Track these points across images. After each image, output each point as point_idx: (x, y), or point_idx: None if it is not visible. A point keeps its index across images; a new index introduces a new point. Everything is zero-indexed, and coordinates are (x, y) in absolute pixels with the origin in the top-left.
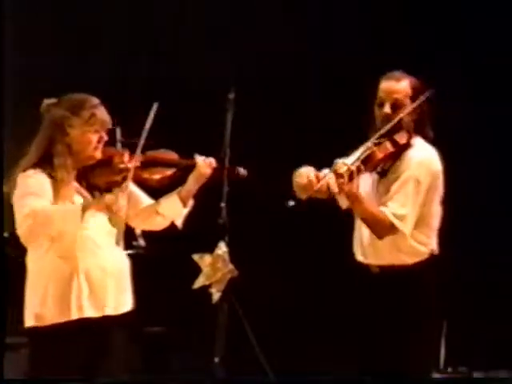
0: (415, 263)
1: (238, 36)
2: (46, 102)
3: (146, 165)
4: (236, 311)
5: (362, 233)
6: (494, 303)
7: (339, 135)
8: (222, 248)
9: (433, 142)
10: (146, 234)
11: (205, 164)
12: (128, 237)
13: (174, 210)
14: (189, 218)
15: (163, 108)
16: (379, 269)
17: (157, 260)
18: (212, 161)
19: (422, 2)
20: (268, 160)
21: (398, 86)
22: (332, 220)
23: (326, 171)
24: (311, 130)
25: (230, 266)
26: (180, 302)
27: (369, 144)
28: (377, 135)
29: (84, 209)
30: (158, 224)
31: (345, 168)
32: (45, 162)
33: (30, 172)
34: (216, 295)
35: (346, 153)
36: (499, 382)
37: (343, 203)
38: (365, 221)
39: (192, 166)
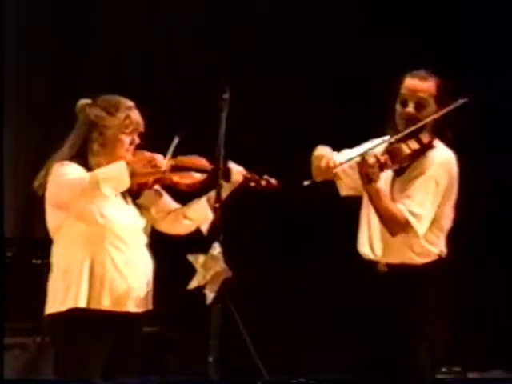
0: (424, 263)
1: (232, 35)
2: (82, 101)
3: (177, 169)
4: (230, 312)
5: (371, 227)
6: (492, 304)
7: (335, 134)
8: (216, 249)
9: (451, 145)
10: None
11: (238, 172)
12: None
13: (202, 215)
14: None
15: (158, 107)
16: (387, 267)
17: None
18: (242, 169)
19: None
20: (263, 159)
21: (423, 84)
22: (330, 220)
23: (342, 155)
24: (306, 129)
25: (224, 267)
26: (174, 303)
27: (392, 140)
28: (405, 132)
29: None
30: (185, 228)
31: (374, 159)
32: (79, 159)
33: (67, 162)
34: (210, 296)
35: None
36: (494, 381)
37: (342, 190)
38: (380, 216)
39: (223, 173)
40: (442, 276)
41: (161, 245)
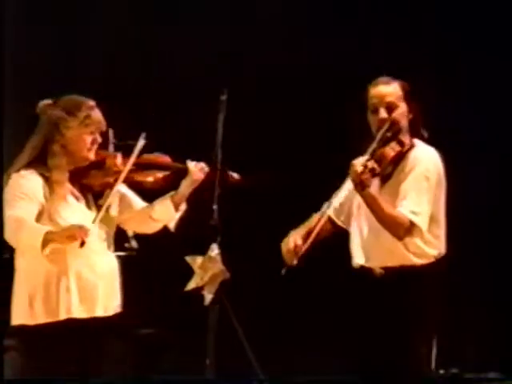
0: (421, 265)
1: (231, 38)
2: (43, 103)
3: (140, 167)
4: (227, 313)
5: (363, 236)
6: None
7: (331, 137)
8: (214, 250)
9: (428, 142)
10: (139, 236)
11: (197, 169)
12: (120, 239)
13: (167, 215)
14: (181, 221)
15: (156, 109)
16: (384, 270)
17: (149, 262)
18: (204, 166)
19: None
20: (260, 162)
21: (388, 88)
22: None
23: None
24: (303, 133)
25: (222, 268)
26: (173, 304)
27: (374, 145)
28: (379, 136)
29: (45, 241)
30: (152, 227)
31: (361, 167)
32: (39, 162)
33: (24, 172)
34: (208, 297)
35: (340, 153)
36: (488, 382)
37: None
38: (383, 222)
39: (185, 171)
40: (440, 277)
41: (159, 246)
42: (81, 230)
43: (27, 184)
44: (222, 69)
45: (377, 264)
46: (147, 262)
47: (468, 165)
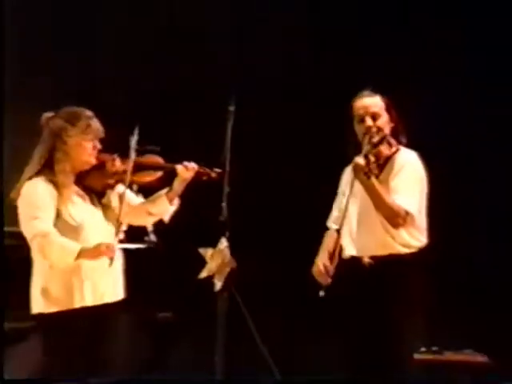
0: (406, 254)
1: (239, 50)
2: (45, 115)
3: (136, 169)
4: (235, 298)
5: (354, 230)
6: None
7: (334, 143)
8: (223, 243)
9: (407, 147)
10: (157, 231)
11: (184, 169)
12: (140, 232)
13: (162, 209)
14: (194, 217)
15: (169, 117)
16: (373, 259)
17: (166, 253)
18: (193, 165)
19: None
20: (265, 164)
21: (372, 100)
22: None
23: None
24: (306, 136)
25: (230, 259)
26: (187, 291)
27: (368, 147)
28: (367, 139)
29: (79, 255)
30: (148, 221)
31: (364, 160)
32: (46, 169)
33: (34, 180)
34: (218, 284)
35: (340, 159)
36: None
37: None
38: (382, 210)
39: (175, 170)
40: (421, 264)
41: (174, 239)
42: (108, 248)
43: (40, 191)
44: (231, 80)
45: (367, 254)
46: (165, 254)
47: (440, 166)
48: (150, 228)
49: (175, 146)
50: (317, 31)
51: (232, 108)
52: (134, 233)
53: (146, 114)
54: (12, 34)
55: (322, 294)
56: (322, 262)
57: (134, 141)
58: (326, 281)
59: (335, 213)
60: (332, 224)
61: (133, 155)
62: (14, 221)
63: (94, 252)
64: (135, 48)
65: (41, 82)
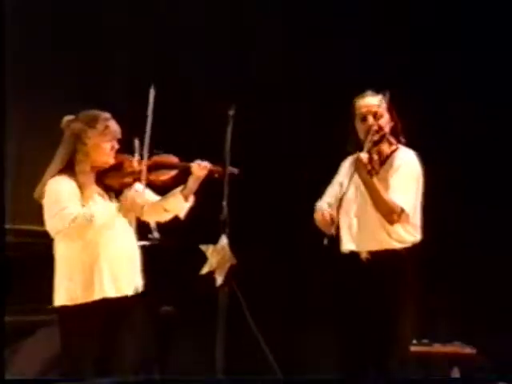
0: (401, 249)
1: (239, 56)
2: (66, 118)
3: (152, 168)
4: (235, 293)
5: (353, 226)
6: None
7: (332, 144)
8: (223, 240)
9: (405, 146)
10: (160, 228)
11: (199, 167)
12: (144, 230)
13: (178, 206)
14: (196, 216)
15: (172, 120)
16: (370, 254)
17: (169, 250)
18: (206, 164)
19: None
20: (265, 164)
21: (375, 100)
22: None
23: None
24: (302, 135)
25: (230, 255)
26: (189, 285)
27: (369, 145)
28: (370, 137)
29: (118, 208)
30: (164, 217)
31: (367, 157)
32: (68, 169)
33: (58, 177)
34: (219, 280)
35: (340, 158)
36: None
37: None
38: (380, 207)
39: (189, 169)
40: (415, 258)
41: (177, 236)
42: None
43: (64, 187)
44: (230, 85)
45: (364, 249)
46: (168, 250)
47: (437, 164)
48: (153, 225)
49: (175, 148)
50: (317, 31)
51: (232, 112)
52: (138, 231)
53: (145, 114)
54: (12, 34)
55: (325, 242)
56: (327, 212)
57: (147, 140)
58: (330, 230)
59: (328, 199)
60: (324, 204)
61: (145, 156)
62: (14, 219)
63: (126, 205)
64: (135, 48)
65: (41, 82)
